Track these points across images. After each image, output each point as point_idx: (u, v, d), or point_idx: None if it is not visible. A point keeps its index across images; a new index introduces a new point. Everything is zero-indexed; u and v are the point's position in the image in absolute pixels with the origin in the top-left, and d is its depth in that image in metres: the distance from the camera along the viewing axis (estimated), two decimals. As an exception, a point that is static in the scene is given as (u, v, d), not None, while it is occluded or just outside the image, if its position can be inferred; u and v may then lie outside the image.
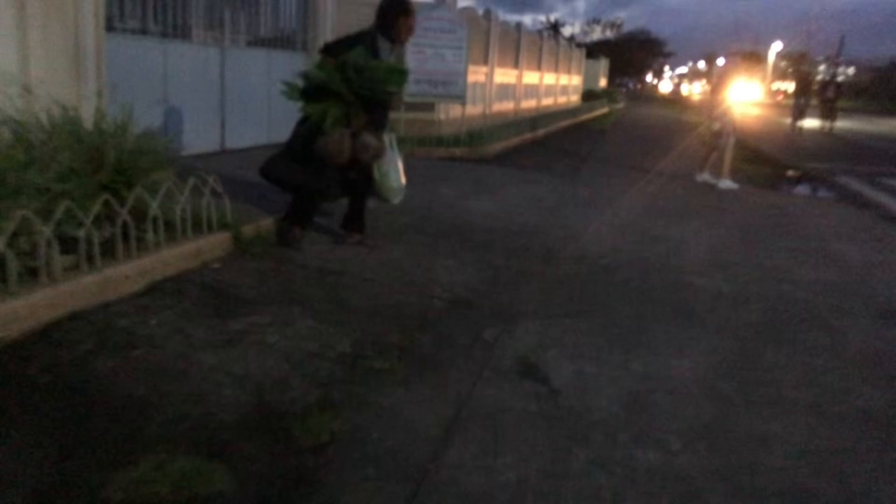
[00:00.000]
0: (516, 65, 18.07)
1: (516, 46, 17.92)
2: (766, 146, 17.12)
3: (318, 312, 3.93)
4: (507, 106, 17.41)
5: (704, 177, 10.21)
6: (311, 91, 4.84)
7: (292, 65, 10.46)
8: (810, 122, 24.41)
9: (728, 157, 9.94)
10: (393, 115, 11.79)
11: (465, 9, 13.34)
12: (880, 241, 7.03)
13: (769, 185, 10.78)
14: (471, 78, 14.11)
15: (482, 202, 7.57)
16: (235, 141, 9.31)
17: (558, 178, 9.83)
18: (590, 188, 9.20)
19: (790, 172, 12.73)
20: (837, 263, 5.95)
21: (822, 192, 10.61)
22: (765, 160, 14.32)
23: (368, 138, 4.90)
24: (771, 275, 5.46)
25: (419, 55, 11.17)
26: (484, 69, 14.96)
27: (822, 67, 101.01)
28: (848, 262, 6.03)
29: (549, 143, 14.89)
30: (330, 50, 4.97)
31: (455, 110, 12.90)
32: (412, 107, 11.59)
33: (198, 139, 8.54)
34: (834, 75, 26.52)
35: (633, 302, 4.58)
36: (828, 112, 23.87)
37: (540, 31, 21.57)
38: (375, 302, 4.21)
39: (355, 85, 4.74)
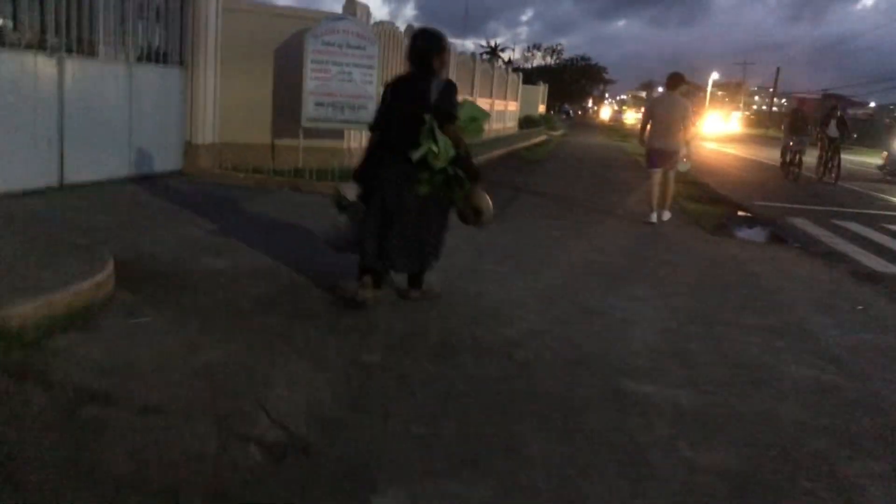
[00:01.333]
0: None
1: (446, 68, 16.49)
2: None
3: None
4: (435, 132, 15.96)
5: (662, 215, 9.36)
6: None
7: (165, 82, 8.75)
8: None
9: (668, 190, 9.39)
10: (289, 142, 10.25)
11: (381, 23, 11.83)
12: (866, 312, 5.68)
13: (722, 229, 9.47)
14: (390, 101, 12.58)
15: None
16: (80, 174, 7.55)
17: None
18: (516, 234, 7.70)
19: (740, 213, 11.51)
20: (827, 352, 4.54)
21: (778, 238, 9.35)
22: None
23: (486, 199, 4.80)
24: (745, 376, 3.99)
25: (320, 74, 9.58)
26: (406, 92, 13.46)
27: (756, 98, 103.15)
28: (839, 348, 4.62)
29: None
30: (454, 116, 4.50)
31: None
32: (312, 133, 9.96)
33: (18, 173, 6.75)
34: (835, 107, 18.93)
35: (554, 439, 3.03)
36: (828, 156, 17.79)
37: (474, 54, 20.26)
38: (142, 461, 2.55)
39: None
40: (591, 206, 10.39)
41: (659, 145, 9.18)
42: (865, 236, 9.69)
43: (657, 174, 9.27)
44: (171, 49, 9.07)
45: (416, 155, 4.33)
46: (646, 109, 10.00)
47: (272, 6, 10.39)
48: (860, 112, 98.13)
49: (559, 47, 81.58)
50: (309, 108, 9.58)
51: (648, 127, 9.28)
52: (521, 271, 6.00)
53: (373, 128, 4.74)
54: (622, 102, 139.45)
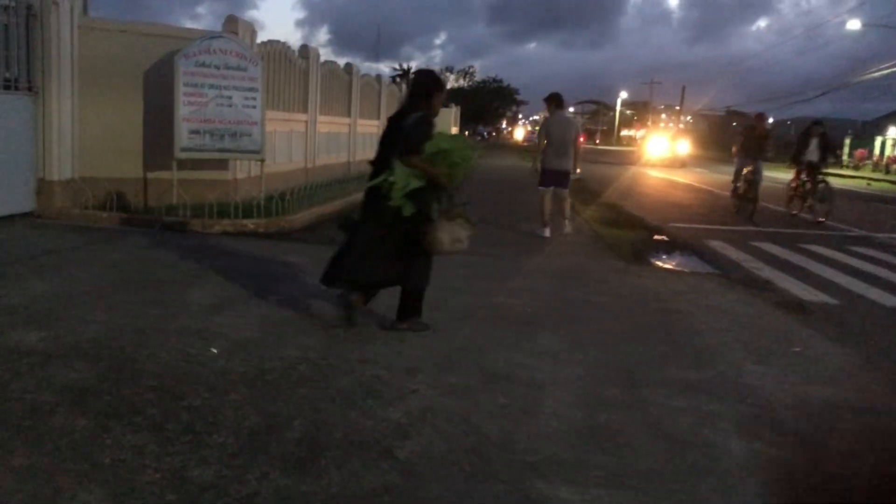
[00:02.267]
0: (349, 112, 15.75)
1: (347, 90, 15.61)
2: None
3: None
4: (338, 159, 15.01)
5: (564, 227, 9.88)
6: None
7: (10, 112, 7.57)
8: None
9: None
10: (165, 175, 9.16)
11: (269, 42, 10.85)
12: (804, 354, 5.04)
13: (639, 257, 8.88)
14: (284, 127, 11.63)
15: (238, 329, 5.00)
16: None
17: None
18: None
19: (656, 237, 11.01)
20: (772, 416, 3.83)
21: (698, 265, 8.81)
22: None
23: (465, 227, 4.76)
24: (680, 460, 3.22)
25: (195, 98, 8.54)
26: (303, 117, 12.50)
27: (663, 116, 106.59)
28: (784, 408, 3.93)
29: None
30: (415, 149, 4.53)
31: (267, 166, 10.33)
32: (191, 164, 8.89)
33: None
34: (817, 122, 14.74)
35: None
36: (807, 186, 14.02)
37: (379, 76, 19.45)
38: None
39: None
40: (502, 237, 9.65)
41: (555, 166, 9.42)
42: (785, 259, 9.28)
43: (548, 193, 9.56)
44: (18, 75, 7.88)
45: (369, 184, 4.68)
46: (541, 130, 9.93)
47: (137, 24, 9.26)
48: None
49: (471, 69, 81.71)
50: (182, 137, 8.52)
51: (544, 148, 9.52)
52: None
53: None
54: (535, 123, 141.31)
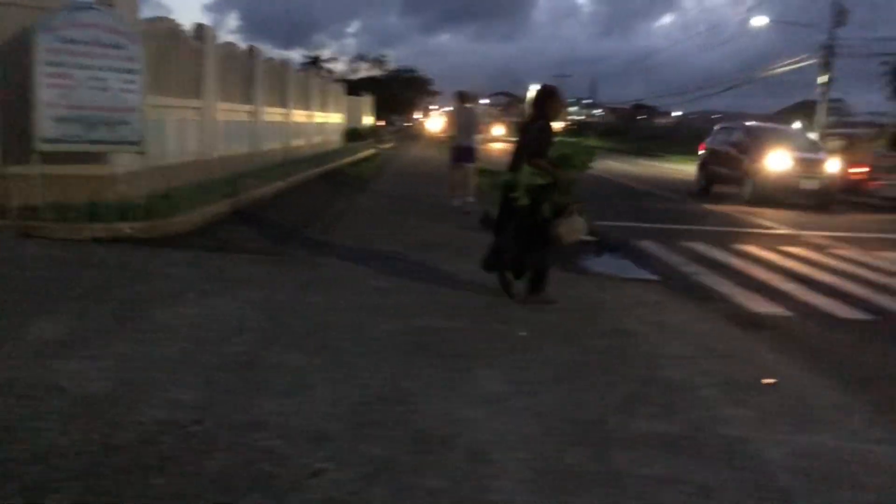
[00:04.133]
0: (251, 99, 14.41)
1: (249, 75, 14.26)
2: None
3: None
4: (238, 151, 13.65)
5: (467, 199, 11.50)
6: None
7: None
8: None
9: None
10: (24, 169, 7.79)
11: (158, 19, 9.51)
12: (779, 389, 4.31)
13: (568, 260, 8.09)
14: (175, 115, 10.31)
15: (87, 379, 3.87)
16: None
17: (279, 278, 6.33)
18: (329, 290, 5.85)
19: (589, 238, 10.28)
20: (773, 484, 3.04)
21: (633, 270, 8.11)
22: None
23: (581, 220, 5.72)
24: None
25: (60, 80, 7.19)
26: (196, 103, 11.16)
27: (574, 109, 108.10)
28: (783, 471, 3.14)
29: (290, 202, 11.37)
30: (539, 153, 5.54)
31: (153, 159, 9.02)
32: (56, 158, 7.53)
33: None
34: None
35: None
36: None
37: (286, 62, 18.11)
38: None
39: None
40: (424, 240, 8.70)
41: (462, 143, 11.73)
42: (718, 260, 8.71)
43: (457, 169, 11.86)
44: None
45: (502, 179, 5.76)
46: (449, 117, 13.27)
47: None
48: (666, 121, 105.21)
49: (384, 58, 80.00)
50: (46, 126, 7.14)
51: (451, 131, 12.16)
52: (326, 363, 4.13)
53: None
54: (448, 114, 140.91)
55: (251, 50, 14.66)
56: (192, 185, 8.40)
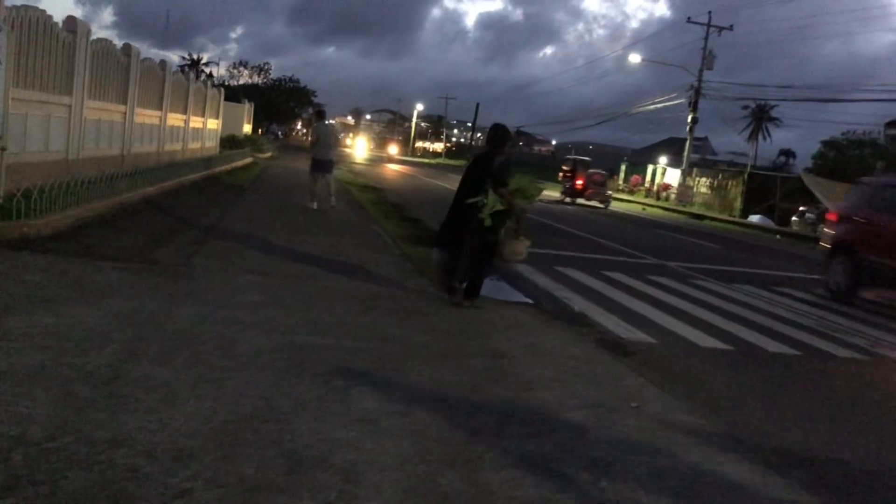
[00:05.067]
0: (125, 99, 13.72)
1: (125, 75, 13.58)
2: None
3: None
4: (109, 151, 12.96)
5: (330, 201, 13.58)
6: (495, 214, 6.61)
7: None
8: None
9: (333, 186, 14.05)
10: None
11: (21, 8, 8.89)
12: (643, 412, 4.53)
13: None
14: (40, 110, 9.70)
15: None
16: None
17: (147, 287, 6.05)
18: (200, 302, 5.62)
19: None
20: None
21: (509, 292, 8.33)
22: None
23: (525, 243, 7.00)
24: None
25: None
26: (65, 100, 10.50)
27: (456, 131, 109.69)
28: (650, 497, 3.30)
29: (162, 207, 10.90)
30: (504, 183, 6.66)
31: (13, 156, 8.41)
32: None
33: None
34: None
35: None
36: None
37: (163, 61, 17.37)
38: None
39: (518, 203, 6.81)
40: (302, 251, 8.57)
41: (321, 157, 13.50)
42: (591, 287, 9.09)
43: (317, 177, 13.58)
44: None
45: (469, 200, 6.62)
46: (313, 133, 14.20)
47: None
48: (544, 149, 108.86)
49: (267, 66, 78.49)
50: None
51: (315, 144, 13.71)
52: (195, 378, 3.98)
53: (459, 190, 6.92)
54: (331, 127, 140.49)
55: (127, 48, 14.00)
56: (57, 185, 7.89)
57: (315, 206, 13.23)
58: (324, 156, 13.45)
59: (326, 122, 13.81)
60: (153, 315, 5.11)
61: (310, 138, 15.93)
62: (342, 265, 8.10)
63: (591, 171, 32.06)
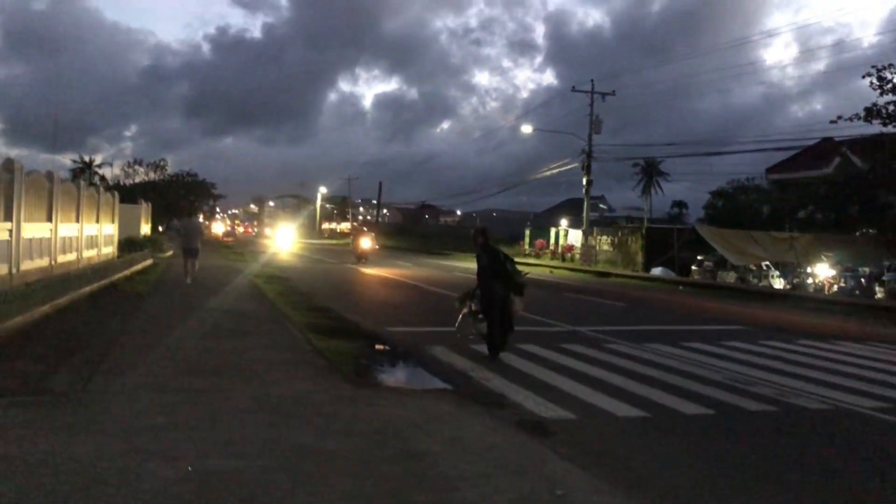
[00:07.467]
0: (8, 215, 13.13)
1: (7, 190, 13.04)
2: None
3: None
4: (-5, 271, 12.35)
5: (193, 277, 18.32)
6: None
7: None
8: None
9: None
10: None
11: None
12: (568, 499, 4.50)
13: (360, 374, 8.09)
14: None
15: None
16: None
17: (39, 423, 5.65)
18: (98, 433, 5.28)
19: (378, 346, 10.38)
20: None
21: (427, 379, 8.25)
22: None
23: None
24: None
25: None
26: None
27: (361, 210, 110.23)
28: None
29: (56, 327, 10.29)
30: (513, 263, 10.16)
31: None
32: None
33: None
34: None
35: None
36: None
37: (50, 173, 16.79)
38: None
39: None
40: (206, 359, 8.27)
41: (186, 245, 18.64)
42: (505, 363, 9.13)
43: (187, 260, 18.38)
44: None
45: (517, 278, 10.18)
46: (179, 226, 16.58)
47: None
48: (450, 220, 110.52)
49: (163, 163, 77.07)
50: None
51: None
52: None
53: (481, 272, 9.97)
54: (234, 217, 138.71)
55: (9, 163, 13.51)
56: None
57: (189, 280, 17.80)
58: (189, 244, 18.62)
59: (192, 219, 19.59)
60: (47, 456, 4.77)
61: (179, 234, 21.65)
62: (249, 370, 7.85)
63: None
